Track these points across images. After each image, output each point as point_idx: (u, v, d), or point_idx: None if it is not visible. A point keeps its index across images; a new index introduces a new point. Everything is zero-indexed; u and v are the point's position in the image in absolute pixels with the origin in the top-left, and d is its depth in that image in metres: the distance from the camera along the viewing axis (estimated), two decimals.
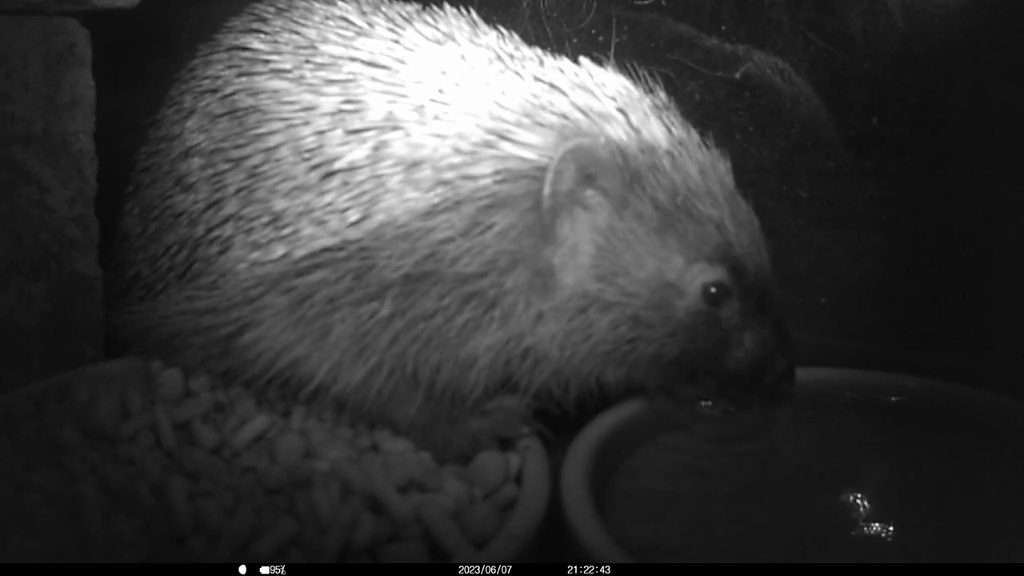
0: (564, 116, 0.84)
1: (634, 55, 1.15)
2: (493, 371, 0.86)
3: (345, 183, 0.85)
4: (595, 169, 0.82)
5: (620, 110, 0.85)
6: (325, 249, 0.84)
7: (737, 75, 1.19)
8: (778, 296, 0.88)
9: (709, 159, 0.87)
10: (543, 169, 0.81)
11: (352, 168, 0.85)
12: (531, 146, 0.82)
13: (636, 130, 0.84)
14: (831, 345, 1.11)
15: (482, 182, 0.82)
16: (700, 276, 0.84)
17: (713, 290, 0.84)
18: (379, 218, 0.83)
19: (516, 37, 0.97)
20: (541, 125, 0.83)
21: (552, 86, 0.87)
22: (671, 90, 0.92)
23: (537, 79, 0.88)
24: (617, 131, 0.84)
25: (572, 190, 0.82)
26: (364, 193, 0.84)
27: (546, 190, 0.81)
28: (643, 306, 0.83)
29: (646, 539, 0.78)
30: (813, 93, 1.19)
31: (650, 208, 0.83)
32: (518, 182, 0.82)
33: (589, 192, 0.83)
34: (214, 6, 1.10)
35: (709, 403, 0.90)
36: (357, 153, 0.85)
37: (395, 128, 0.85)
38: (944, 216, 1.19)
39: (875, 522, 0.80)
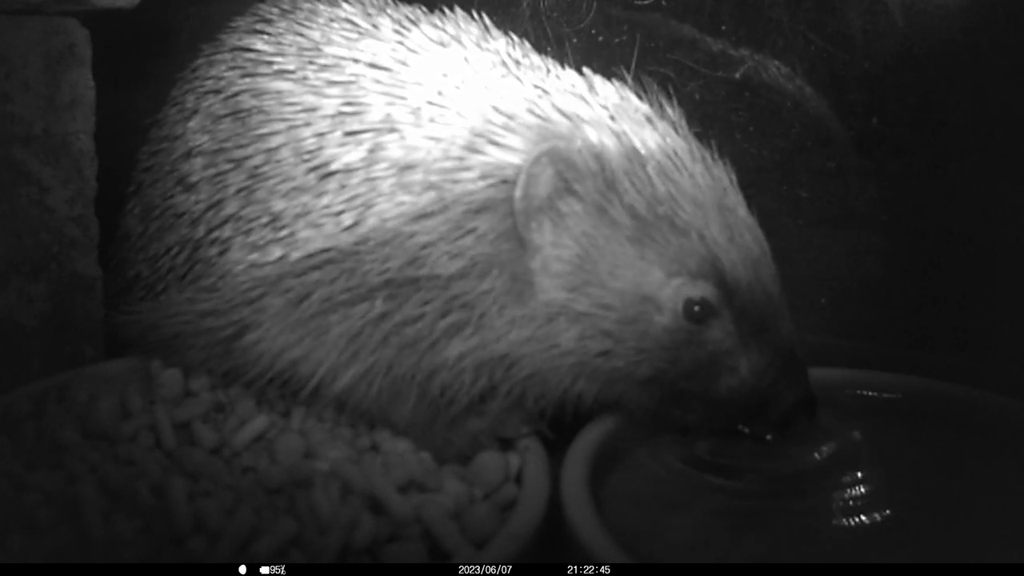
0: (545, 119, 0.83)
1: (634, 55, 1.15)
2: (478, 374, 0.85)
3: (342, 186, 0.85)
4: (570, 173, 0.80)
5: (611, 117, 0.84)
6: (320, 251, 0.84)
7: (737, 75, 1.19)
8: (787, 322, 0.83)
9: (708, 172, 0.84)
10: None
11: (348, 170, 0.85)
12: (512, 149, 0.82)
13: (621, 136, 0.82)
14: (831, 345, 1.11)
15: (468, 186, 0.81)
16: (681, 291, 0.80)
17: (697, 308, 0.80)
18: (371, 222, 0.83)
19: (527, 45, 0.97)
20: (522, 127, 0.83)
21: (544, 92, 0.86)
22: (671, 90, 0.91)
23: (535, 86, 0.87)
24: (597, 136, 0.82)
25: (549, 195, 0.80)
26: (358, 196, 0.84)
27: (517, 193, 0.80)
28: (617, 319, 0.81)
29: (645, 538, 0.78)
30: (813, 93, 1.19)
31: (626, 216, 0.80)
32: (500, 186, 0.81)
33: (566, 197, 0.81)
34: (214, 6, 1.10)
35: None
36: (353, 155, 0.85)
37: (391, 130, 0.85)
38: (944, 216, 1.18)
39: (874, 521, 0.80)
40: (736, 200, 0.85)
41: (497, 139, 0.82)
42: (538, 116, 0.83)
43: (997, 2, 1.13)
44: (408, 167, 0.83)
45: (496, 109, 0.84)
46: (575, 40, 1.20)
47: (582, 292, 0.81)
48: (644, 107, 0.88)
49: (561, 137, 0.81)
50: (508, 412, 0.88)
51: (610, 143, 0.82)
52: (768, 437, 0.87)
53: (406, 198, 0.82)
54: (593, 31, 1.20)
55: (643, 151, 0.82)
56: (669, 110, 0.89)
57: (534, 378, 0.85)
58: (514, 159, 0.81)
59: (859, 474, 0.87)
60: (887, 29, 1.16)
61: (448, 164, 0.82)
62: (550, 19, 1.20)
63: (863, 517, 0.81)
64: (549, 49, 1.18)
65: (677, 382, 0.83)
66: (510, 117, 0.83)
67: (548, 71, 0.92)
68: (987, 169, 1.16)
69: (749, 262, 0.82)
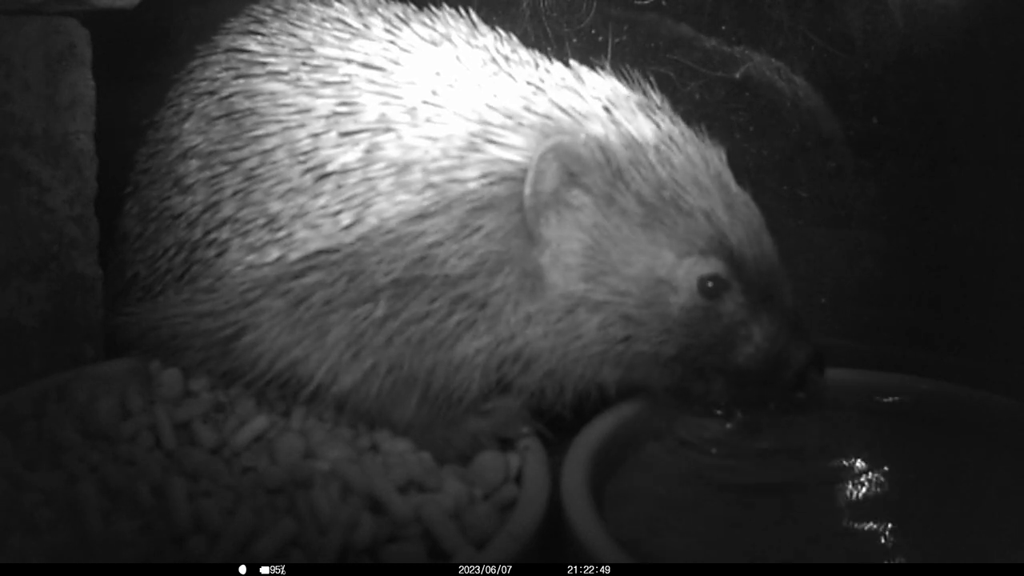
0: (546, 116, 0.84)
1: (634, 55, 1.15)
2: (486, 373, 0.86)
3: (339, 186, 0.85)
4: (577, 167, 0.82)
5: (605, 108, 0.85)
6: (319, 252, 0.84)
7: (737, 75, 1.19)
8: (789, 287, 0.86)
9: (701, 151, 0.86)
10: (527, 170, 0.81)
11: (344, 171, 0.85)
12: (514, 147, 0.82)
13: (619, 126, 0.84)
14: (831, 345, 1.11)
15: (470, 185, 0.82)
16: (694, 270, 0.83)
17: (710, 284, 0.83)
18: (371, 221, 0.83)
19: (515, 39, 0.97)
20: (523, 126, 0.83)
21: (538, 88, 0.87)
22: (671, 90, 0.92)
23: (528, 82, 0.88)
24: (599, 128, 0.83)
25: (556, 189, 0.82)
26: (356, 196, 0.84)
27: (527, 190, 0.81)
28: (635, 304, 0.83)
29: (646, 539, 0.78)
30: (812, 93, 1.19)
31: (635, 204, 0.82)
32: (504, 184, 0.82)
33: (573, 191, 0.83)
34: (214, 7, 1.10)
35: (720, 412, 0.89)
36: (350, 155, 0.85)
37: (387, 130, 0.85)
38: (944, 216, 1.18)
39: (875, 522, 0.80)
40: (729, 176, 0.87)
41: (497, 138, 0.83)
42: (537, 113, 0.84)
43: (997, 2, 1.13)
44: (407, 166, 0.83)
45: (492, 108, 0.85)
46: (575, 40, 1.20)
47: (598, 281, 0.83)
48: (632, 95, 0.89)
49: (564, 132, 0.82)
50: (511, 412, 0.89)
51: (612, 134, 0.83)
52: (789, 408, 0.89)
53: (405, 197, 0.82)
54: (593, 31, 1.20)
55: (641, 139, 0.84)
56: (653, 95, 0.90)
57: (555, 372, 0.86)
58: (516, 157, 0.82)
59: (860, 475, 0.87)
60: (887, 29, 1.16)
61: (447, 163, 0.82)
62: (550, 19, 1.20)
63: (865, 518, 0.81)
64: (549, 49, 1.18)
65: (698, 358, 0.85)
66: (509, 116, 0.84)
67: (537, 65, 0.92)
68: (987, 169, 1.16)
69: (752, 234, 0.85)
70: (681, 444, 0.91)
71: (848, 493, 0.85)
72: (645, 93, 0.90)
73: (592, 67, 0.92)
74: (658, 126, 0.86)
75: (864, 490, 0.85)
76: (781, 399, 0.88)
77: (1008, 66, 1.12)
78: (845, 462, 0.89)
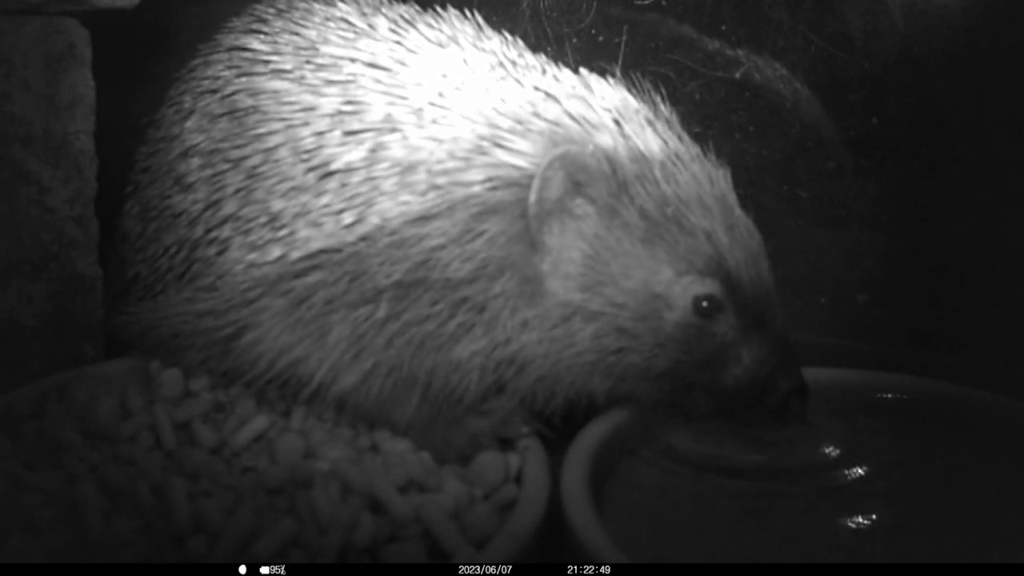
0: (555, 123, 0.84)
1: (634, 55, 1.15)
2: (484, 375, 0.86)
3: (342, 184, 0.85)
4: (583, 177, 0.81)
5: (615, 120, 0.85)
6: (321, 251, 0.84)
7: (737, 75, 1.19)
8: (782, 313, 0.86)
9: (706, 171, 0.86)
10: (532, 176, 0.81)
11: (349, 170, 0.85)
12: (522, 153, 0.82)
13: (628, 139, 0.84)
14: (831, 345, 1.11)
15: (474, 189, 0.81)
16: (691, 288, 0.82)
17: (705, 303, 0.82)
18: (373, 221, 0.83)
19: (520, 43, 0.97)
20: (532, 132, 0.83)
21: (548, 95, 0.86)
22: (671, 90, 0.91)
23: (536, 88, 0.87)
24: (607, 140, 0.83)
25: (560, 198, 0.81)
26: (359, 195, 0.84)
27: (532, 197, 0.80)
28: (630, 317, 0.82)
29: (646, 539, 0.78)
30: (811, 93, 1.19)
31: (637, 218, 0.82)
32: (509, 189, 0.82)
33: (577, 200, 0.82)
34: (214, 6, 1.10)
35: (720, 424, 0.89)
36: (354, 155, 0.85)
37: (393, 130, 0.85)
38: (944, 216, 1.19)
39: (876, 522, 0.80)
40: (733, 198, 0.87)
41: (504, 143, 0.83)
42: (547, 120, 0.84)
43: (997, 2, 1.13)
44: (411, 167, 0.83)
45: (499, 112, 0.84)
46: (575, 40, 1.20)
47: (596, 292, 0.82)
48: (642, 107, 0.89)
49: (573, 142, 0.82)
50: (512, 412, 0.89)
51: (620, 147, 0.83)
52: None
53: (409, 198, 0.82)
54: (593, 31, 1.20)
55: (648, 154, 0.84)
56: (662, 108, 0.90)
57: (546, 378, 0.86)
58: (522, 162, 0.82)
59: (859, 475, 0.87)
60: (887, 29, 1.16)
61: (452, 165, 0.82)
62: (550, 19, 1.20)
63: (864, 518, 0.81)
64: (549, 49, 1.18)
65: (687, 375, 0.85)
66: (517, 121, 0.84)
67: (544, 71, 0.92)
68: (987, 169, 1.16)
69: (750, 258, 0.84)
70: (670, 450, 0.91)
71: (848, 493, 0.85)
72: (655, 106, 0.90)
73: (601, 74, 0.91)
74: (666, 143, 0.86)
75: (864, 490, 0.85)
76: (762, 422, 0.88)
77: (1008, 66, 1.13)
78: (845, 462, 0.89)
